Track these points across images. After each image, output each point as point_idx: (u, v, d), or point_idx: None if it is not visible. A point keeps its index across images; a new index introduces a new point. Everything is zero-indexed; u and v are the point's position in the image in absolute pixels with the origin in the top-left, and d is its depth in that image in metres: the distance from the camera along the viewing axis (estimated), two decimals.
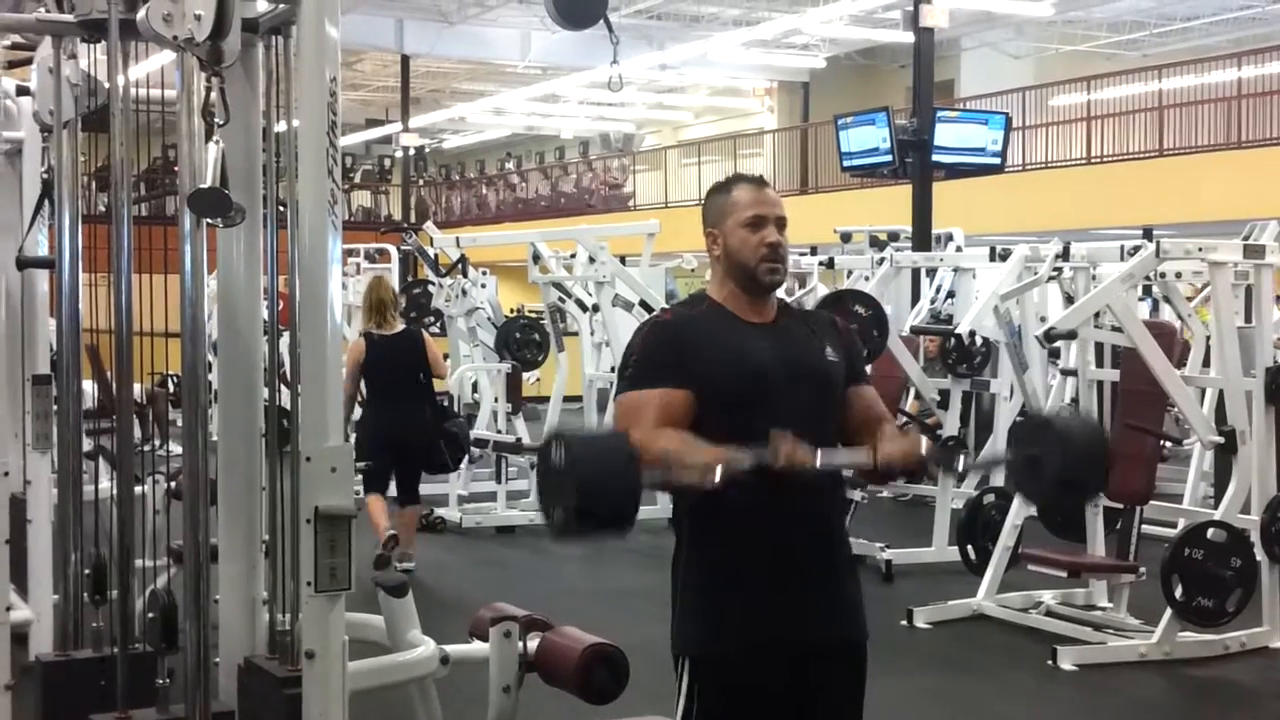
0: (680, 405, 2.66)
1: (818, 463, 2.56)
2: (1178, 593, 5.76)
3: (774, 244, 2.75)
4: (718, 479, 2.51)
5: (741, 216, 2.76)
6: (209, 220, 3.32)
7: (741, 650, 2.67)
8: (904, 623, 6.41)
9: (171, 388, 8.73)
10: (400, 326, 7.80)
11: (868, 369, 3.01)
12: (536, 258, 10.11)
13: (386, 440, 7.48)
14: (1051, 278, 7.35)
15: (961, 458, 2.90)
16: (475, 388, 10.76)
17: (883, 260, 8.64)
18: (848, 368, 2.83)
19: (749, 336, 2.75)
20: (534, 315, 12.85)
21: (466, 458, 8.63)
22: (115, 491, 3.81)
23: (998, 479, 8.10)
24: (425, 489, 10.32)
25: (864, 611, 2.82)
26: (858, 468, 2.67)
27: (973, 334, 7.95)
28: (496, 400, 9.88)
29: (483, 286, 10.54)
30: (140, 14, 3.21)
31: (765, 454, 2.52)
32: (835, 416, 2.78)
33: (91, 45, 3.93)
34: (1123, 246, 6.54)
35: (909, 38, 13.23)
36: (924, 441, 2.69)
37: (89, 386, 6.08)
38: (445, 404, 8.81)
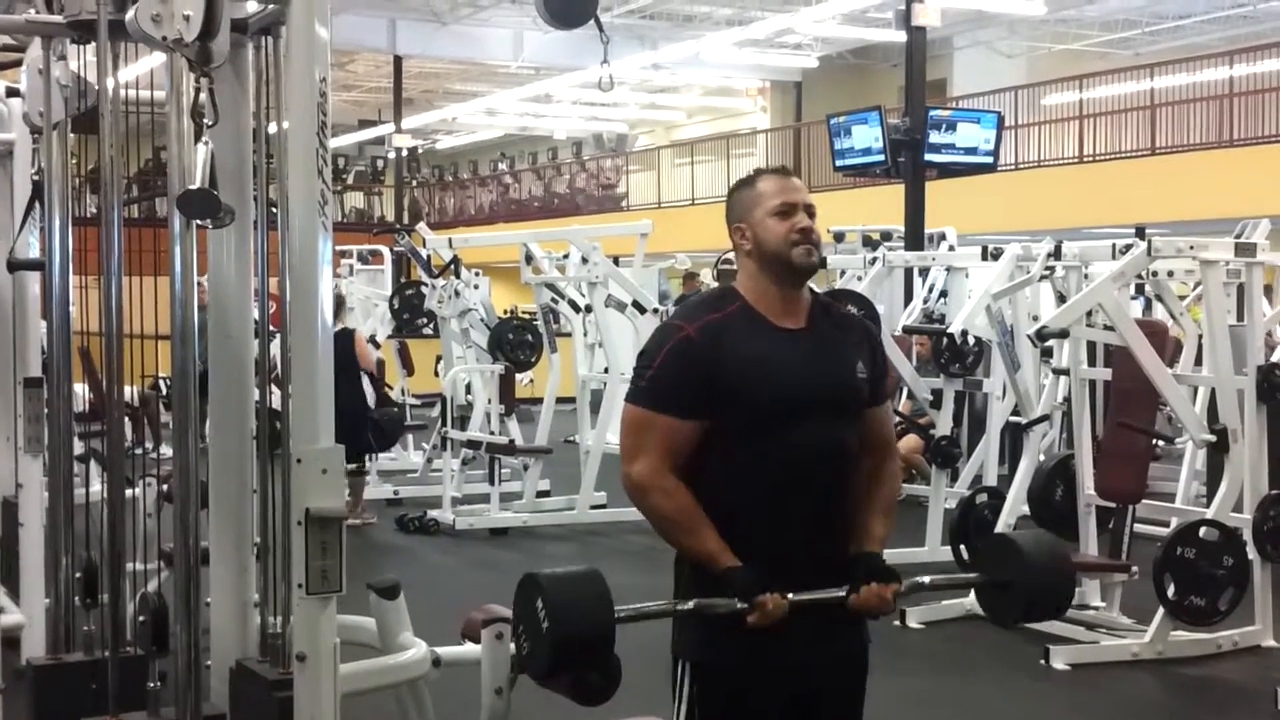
0: (686, 438, 2.63)
1: (787, 602, 2.58)
2: (1170, 591, 5.76)
3: (806, 229, 2.68)
4: (689, 607, 2.59)
5: (770, 205, 2.69)
6: (199, 222, 3.31)
7: (743, 657, 2.65)
8: (897, 623, 6.41)
9: (163, 390, 8.72)
10: (338, 326, 8.55)
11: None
12: (529, 258, 10.10)
13: None
14: (1044, 277, 7.36)
15: (927, 579, 2.86)
16: (469, 389, 10.74)
17: (875, 260, 8.64)
18: (872, 385, 2.77)
19: (780, 349, 2.66)
20: (527, 316, 12.85)
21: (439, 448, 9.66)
22: (106, 494, 3.81)
23: (990, 472, 8.12)
24: (417, 490, 10.39)
25: (865, 620, 2.78)
26: (833, 604, 2.66)
27: (965, 333, 7.94)
28: (490, 402, 9.87)
29: (476, 288, 10.52)
30: (129, 15, 3.21)
31: (740, 605, 2.55)
32: (857, 436, 2.74)
33: (81, 46, 3.93)
34: (1114, 245, 6.55)
35: (901, 37, 13.23)
36: (890, 589, 2.66)
37: (80, 389, 6.07)
38: (385, 396, 9.97)
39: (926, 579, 2.82)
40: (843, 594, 2.65)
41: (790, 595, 2.58)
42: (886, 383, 2.88)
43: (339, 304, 9.17)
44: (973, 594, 6.51)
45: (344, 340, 8.66)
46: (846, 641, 2.75)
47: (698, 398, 2.62)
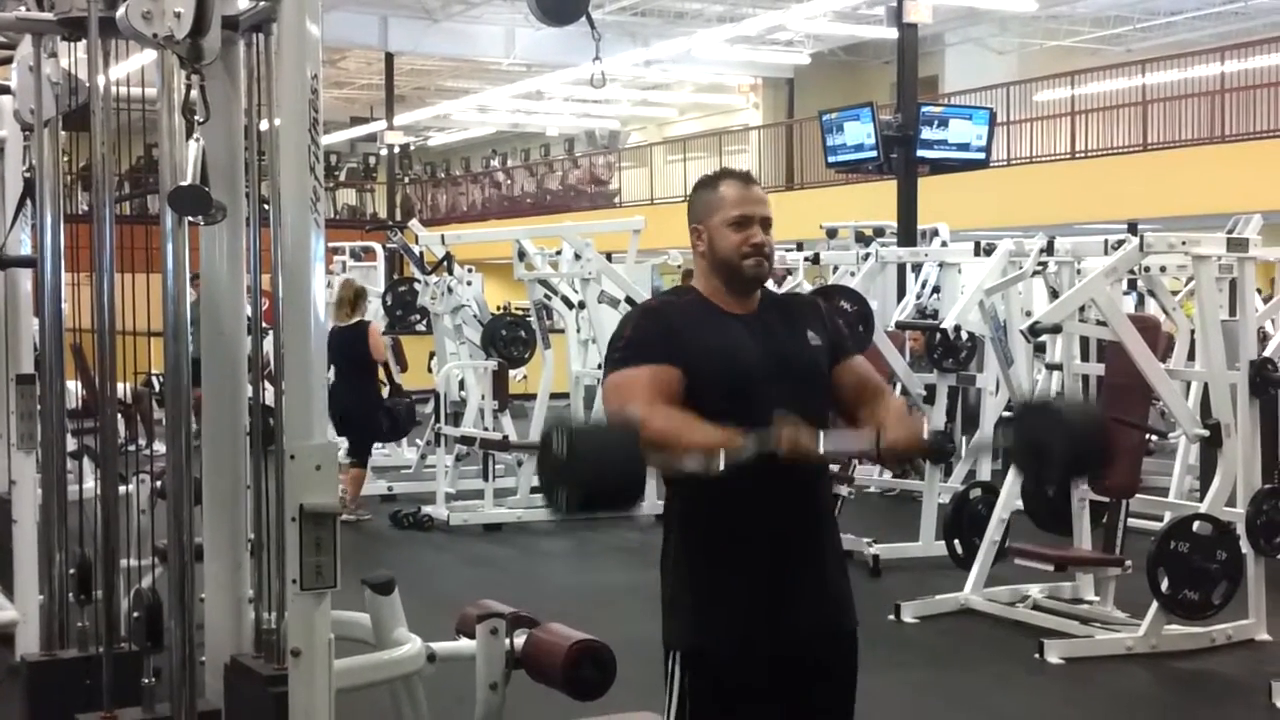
0: (673, 381, 2.65)
1: (821, 448, 2.56)
2: (1164, 586, 5.77)
3: (758, 244, 2.75)
4: (722, 466, 2.50)
5: (727, 215, 2.75)
6: (191, 218, 3.31)
7: (733, 643, 2.67)
8: (892, 617, 6.42)
9: (156, 386, 8.71)
10: (355, 319, 9.23)
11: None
12: (522, 255, 10.10)
13: (335, 412, 8.25)
14: (1036, 272, 7.37)
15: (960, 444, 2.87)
16: (462, 385, 10.74)
17: (868, 255, 8.66)
18: (832, 347, 2.82)
19: (732, 329, 2.74)
20: (520, 312, 12.84)
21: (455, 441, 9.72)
22: (100, 491, 3.80)
23: (984, 467, 8.13)
24: (411, 486, 10.40)
25: (853, 601, 2.83)
26: (863, 452, 2.68)
27: (958, 329, 7.97)
28: (483, 398, 9.87)
29: (468, 284, 10.52)
30: (120, 12, 3.21)
31: (768, 437, 2.52)
32: (825, 404, 2.77)
33: (72, 43, 3.92)
34: (1107, 241, 6.56)
35: (893, 33, 13.24)
36: (925, 424, 2.70)
37: (73, 386, 6.06)
38: (398, 386, 10.36)
39: (944, 430, 2.83)
40: (873, 435, 2.64)
41: (821, 434, 2.57)
42: (848, 339, 2.94)
43: (359, 296, 9.41)
44: (967, 586, 6.54)
45: (359, 332, 9.16)
46: (833, 616, 2.77)
47: (672, 347, 2.68)
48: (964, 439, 9.23)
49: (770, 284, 2.89)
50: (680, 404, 2.63)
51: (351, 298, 9.33)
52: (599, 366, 9.75)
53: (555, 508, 2.58)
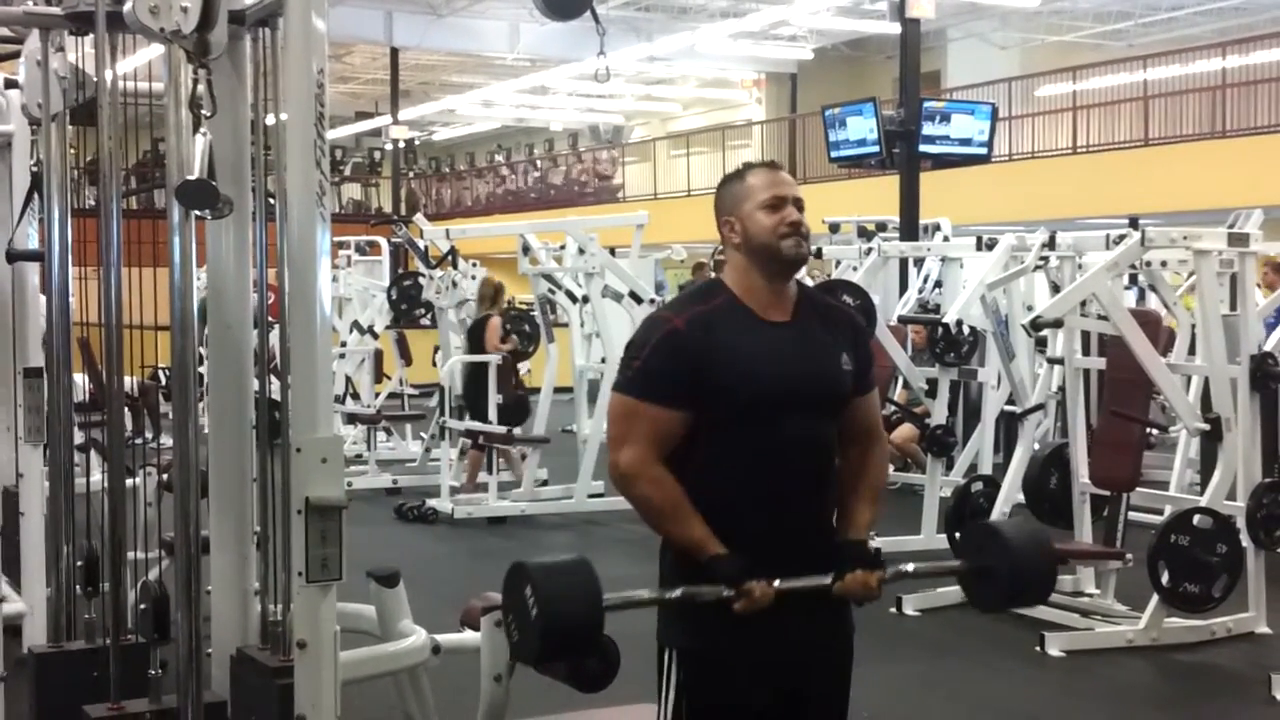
0: (672, 428, 2.64)
1: (772, 595, 2.60)
2: (1164, 579, 5.79)
3: (795, 222, 2.69)
4: (677, 595, 2.61)
5: (759, 199, 2.70)
6: (197, 213, 3.33)
7: (729, 643, 2.66)
8: (893, 610, 6.44)
9: (163, 380, 8.73)
10: (483, 313, 10.02)
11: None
12: (526, 249, 10.11)
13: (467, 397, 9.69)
14: (1038, 267, 7.38)
15: (911, 566, 2.86)
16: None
17: (870, 250, 8.67)
18: (857, 377, 2.77)
19: (765, 343, 2.68)
20: (524, 307, 12.85)
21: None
22: (107, 484, 3.83)
23: (985, 460, 8.14)
24: (416, 479, 10.42)
25: (850, 606, 2.79)
26: (818, 591, 2.67)
27: (960, 323, 7.97)
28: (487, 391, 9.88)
29: (473, 278, 10.53)
30: (127, 6, 3.23)
31: (728, 590, 2.57)
32: (837, 429, 2.76)
33: (79, 38, 3.94)
34: (1108, 235, 6.57)
35: (896, 29, 13.21)
36: (875, 576, 2.69)
37: (80, 380, 6.09)
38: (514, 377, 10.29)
39: (910, 566, 2.82)
40: (828, 581, 2.67)
41: (777, 582, 2.60)
42: (873, 372, 2.88)
43: (497, 292, 10.10)
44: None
45: (479, 324, 9.96)
46: (832, 628, 2.77)
47: (684, 389, 2.63)
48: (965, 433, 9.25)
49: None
50: (676, 445, 2.64)
51: (491, 294, 10.08)
52: (602, 360, 9.77)
53: (520, 654, 2.62)
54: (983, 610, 2.90)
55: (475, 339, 9.91)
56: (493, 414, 9.33)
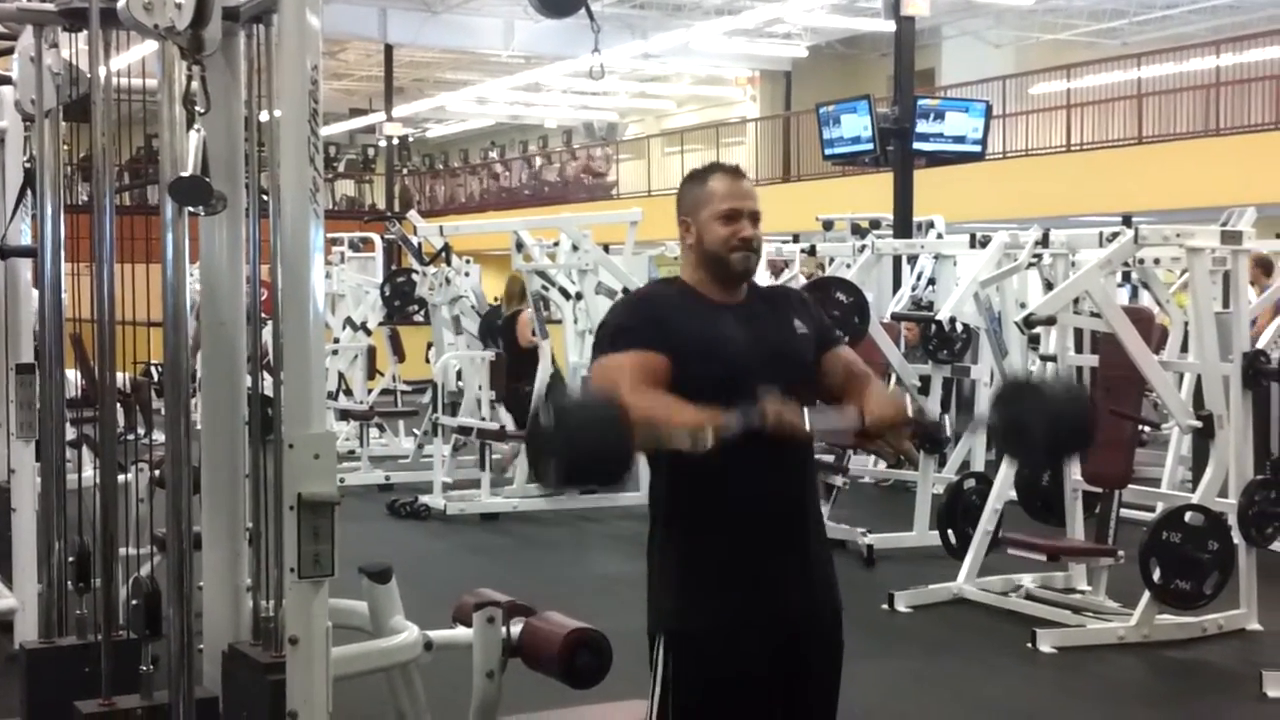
0: (660, 366, 2.66)
1: (807, 425, 2.58)
2: (1156, 576, 5.80)
3: (747, 238, 2.76)
4: (710, 443, 2.51)
5: (716, 209, 2.76)
6: (191, 209, 3.33)
7: (719, 626, 2.68)
8: (885, 606, 6.45)
9: (155, 376, 8.73)
10: (513, 310, 10.23)
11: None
12: (520, 246, 10.10)
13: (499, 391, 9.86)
14: (1031, 264, 7.39)
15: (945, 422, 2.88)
16: (459, 375, 10.76)
17: (864, 247, 8.67)
18: (819, 335, 2.85)
19: (720, 319, 2.76)
20: None
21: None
22: (99, 480, 3.82)
23: (978, 457, 8.15)
24: (408, 476, 10.42)
25: (837, 583, 2.85)
26: (848, 429, 2.68)
27: (953, 320, 7.98)
28: (481, 388, 9.89)
29: (466, 275, 10.54)
30: (121, 3, 3.23)
31: (754, 414, 2.53)
32: (812, 392, 2.79)
33: (73, 34, 3.94)
34: (1101, 233, 6.57)
35: (890, 26, 13.25)
36: (910, 402, 2.72)
37: (72, 375, 6.08)
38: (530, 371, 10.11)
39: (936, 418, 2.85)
40: (856, 418, 2.67)
41: (806, 412, 2.59)
42: (833, 330, 2.97)
43: (524, 289, 9.94)
44: (961, 575, 6.57)
45: (509, 321, 10.17)
46: (819, 596, 2.80)
47: (660, 334, 2.69)
48: (959, 429, 9.26)
49: (768, 276, 2.91)
50: (667, 390, 2.64)
51: (519, 290, 10.20)
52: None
53: (543, 481, 2.62)
54: (1021, 461, 2.91)
55: (508, 335, 10.04)
56: (485, 410, 9.33)
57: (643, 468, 2.78)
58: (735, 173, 2.84)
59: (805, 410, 2.59)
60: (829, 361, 2.84)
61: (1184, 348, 6.97)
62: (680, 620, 2.72)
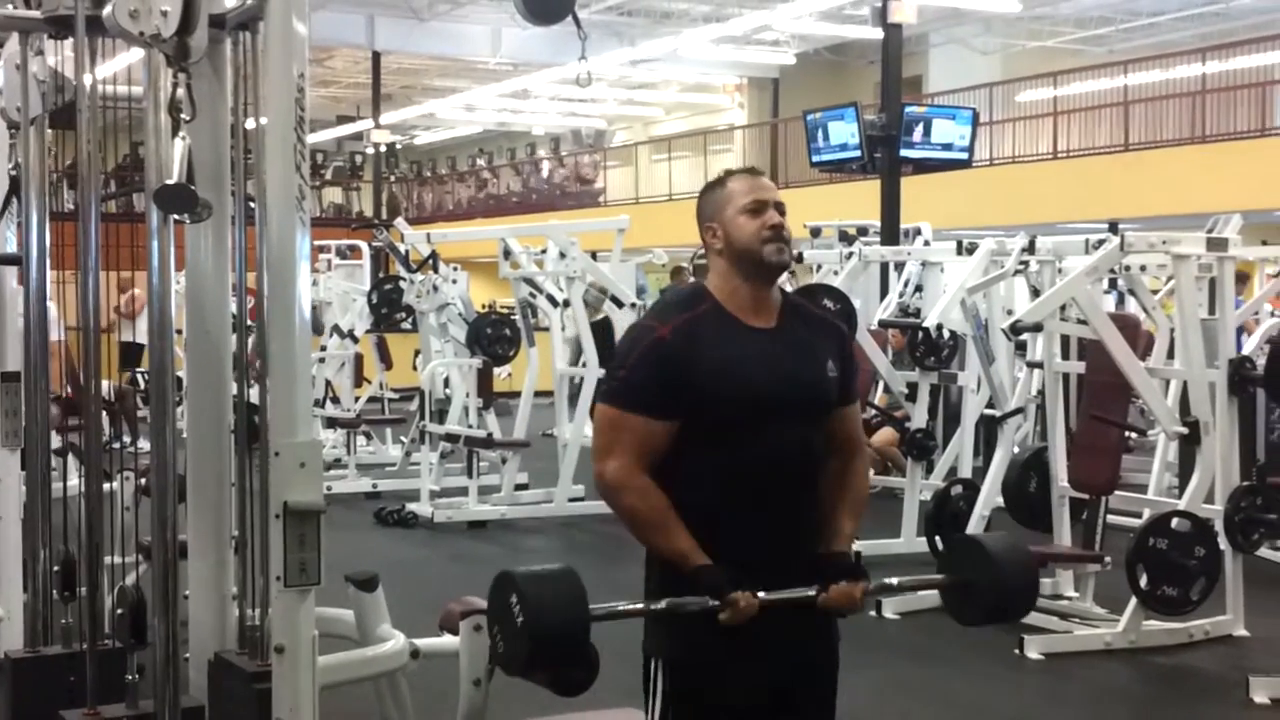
0: (660, 438, 2.64)
1: (758, 600, 2.60)
2: (1143, 582, 5.81)
3: (777, 225, 2.70)
4: (662, 606, 2.60)
5: (741, 204, 2.71)
6: (176, 217, 3.32)
7: (716, 656, 2.65)
8: (873, 613, 6.45)
9: (141, 384, 8.70)
10: (600, 317, 10.47)
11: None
12: (507, 253, 10.11)
13: None
14: (1018, 271, 7.41)
15: (895, 580, 2.89)
16: (447, 383, 10.75)
17: (851, 254, 8.69)
18: (841, 386, 2.78)
19: (751, 349, 2.68)
20: (505, 311, 12.85)
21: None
22: (84, 488, 3.81)
23: (965, 464, 8.16)
24: (395, 483, 10.39)
25: (836, 617, 2.79)
26: (803, 603, 2.67)
27: (940, 327, 7.99)
28: (468, 395, 9.89)
29: (454, 282, 10.52)
30: (107, 10, 3.22)
31: (712, 602, 2.57)
32: (824, 435, 2.76)
33: (59, 41, 3.92)
34: (1088, 240, 6.60)
35: (878, 34, 13.27)
36: (859, 588, 2.69)
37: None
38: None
39: (895, 580, 2.86)
40: (812, 593, 2.67)
41: (761, 594, 2.60)
42: (856, 383, 2.89)
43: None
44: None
45: (602, 328, 10.22)
46: (819, 639, 2.78)
47: (670, 398, 2.63)
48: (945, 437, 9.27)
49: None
50: (665, 454, 2.64)
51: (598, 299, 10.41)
52: (583, 364, 9.78)
53: (505, 666, 2.61)
54: (962, 623, 2.91)
55: (602, 339, 9.81)
56: (472, 418, 9.31)
57: None
58: (753, 171, 2.84)
59: (760, 594, 2.60)
60: (834, 420, 2.78)
61: (1170, 354, 7.00)
62: (676, 648, 2.70)
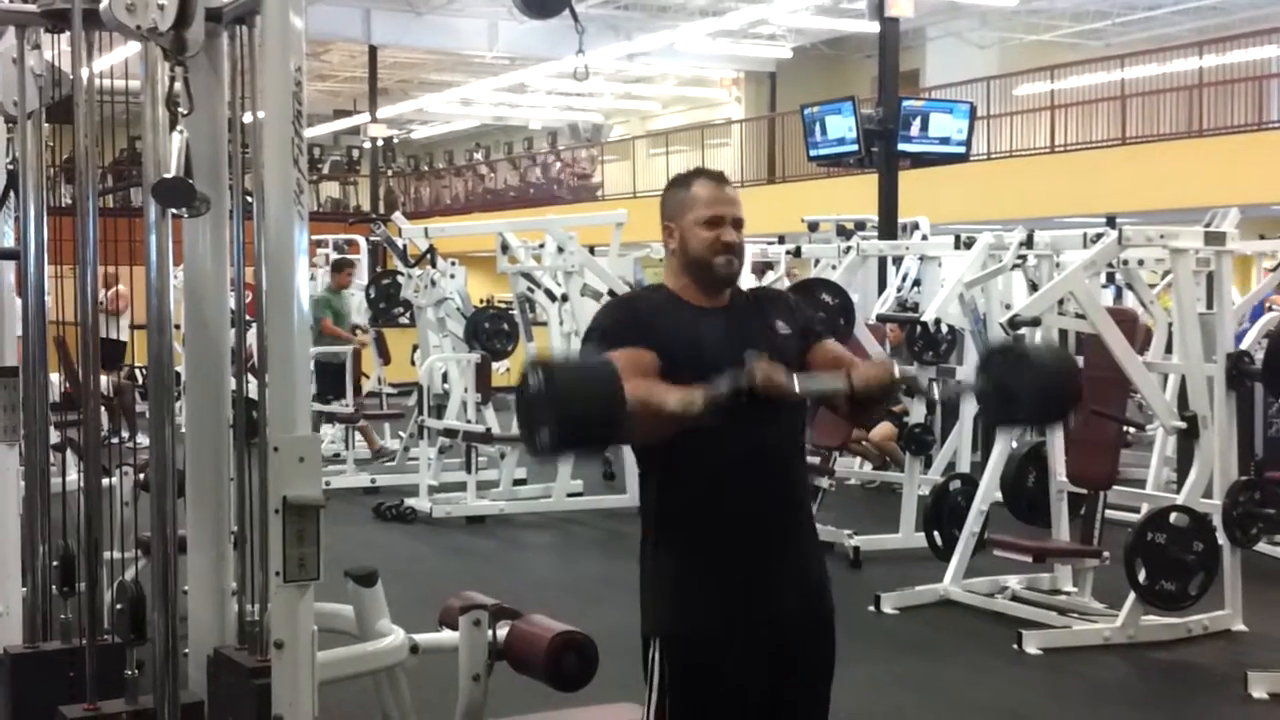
0: (648, 362, 2.66)
1: (796, 386, 2.59)
2: (1141, 576, 5.82)
3: (729, 243, 2.77)
4: (700, 407, 2.52)
5: (700, 215, 2.78)
6: (174, 211, 3.32)
7: (713, 629, 2.69)
8: (872, 608, 6.46)
9: (139, 379, 8.70)
10: None
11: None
12: (505, 248, 10.11)
13: None
14: (1016, 265, 7.41)
15: (931, 383, 2.90)
16: (445, 378, 10.75)
17: (849, 249, 8.68)
18: (802, 334, 2.85)
19: (703, 321, 2.77)
20: (503, 305, 12.85)
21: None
22: (83, 483, 3.80)
23: (963, 459, 8.17)
24: (394, 478, 10.40)
25: (830, 586, 2.85)
26: (836, 391, 2.66)
27: (938, 322, 8.00)
28: (466, 390, 9.88)
29: (452, 277, 10.53)
30: (104, 4, 3.21)
31: (742, 376, 2.54)
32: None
33: (55, 35, 3.92)
34: (1085, 234, 6.60)
35: (875, 28, 13.26)
36: (896, 365, 2.72)
37: (56, 378, 6.05)
38: None
39: (914, 368, 2.86)
40: (842, 384, 2.65)
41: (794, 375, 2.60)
42: (818, 323, 2.97)
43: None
44: (947, 577, 6.58)
45: None
46: (811, 600, 2.80)
47: (646, 334, 2.71)
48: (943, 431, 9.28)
49: (751, 278, 2.92)
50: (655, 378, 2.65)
51: None
52: None
53: (536, 448, 2.53)
54: (997, 425, 2.91)
55: None
56: (470, 413, 9.31)
57: (632, 469, 2.79)
58: (719, 178, 2.86)
59: (793, 374, 2.60)
60: (816, 356, 2.83)
61: (1168, 349, 7.00)
62: (673, 623, 2.72)
